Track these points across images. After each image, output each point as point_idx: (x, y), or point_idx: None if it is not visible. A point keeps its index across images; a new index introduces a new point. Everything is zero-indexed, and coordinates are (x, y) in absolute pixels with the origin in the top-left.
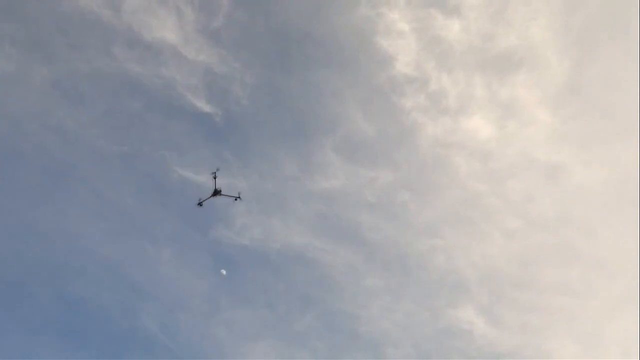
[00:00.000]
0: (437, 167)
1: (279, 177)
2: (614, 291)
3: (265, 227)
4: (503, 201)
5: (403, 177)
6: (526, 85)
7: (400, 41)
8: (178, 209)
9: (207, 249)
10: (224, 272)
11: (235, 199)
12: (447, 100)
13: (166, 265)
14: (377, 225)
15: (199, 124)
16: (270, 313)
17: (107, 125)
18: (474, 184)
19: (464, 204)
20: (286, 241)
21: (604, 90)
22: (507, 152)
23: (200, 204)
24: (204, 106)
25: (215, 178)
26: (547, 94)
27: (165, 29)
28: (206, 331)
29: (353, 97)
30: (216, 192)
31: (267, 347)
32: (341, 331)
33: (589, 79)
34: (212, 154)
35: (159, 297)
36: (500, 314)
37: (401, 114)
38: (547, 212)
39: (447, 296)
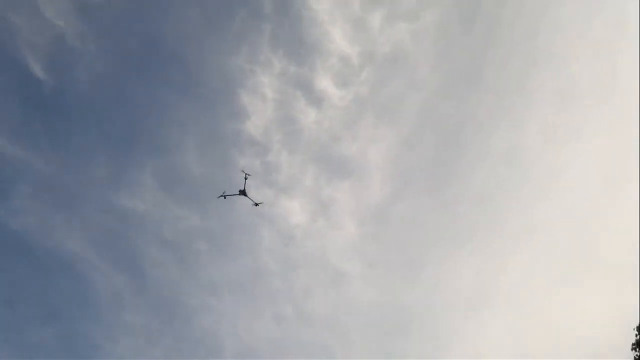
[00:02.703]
0: (244, 232)
1: (83, 174)
2: None
3: (44, 220)
4: (285, 287)
5: (208, 227)
6: (346, 194)
7: (260, 104)
8: None
9: None
10: None
11: (255, 204)
12: (277, 176)
13: None
14: (162, 264)
15: (24, 85)
16: (6, 312)
17: None
18: (268, 261)
19: (251, 276)
20: (61, 242)
21: (403, 225)
22: (307, 243)
23: (224, 196)
24: (39, 71)
25: (245, 179)
26: (360, 209)
27: None
28: None
29: (195, 133)
30: (241, 192)
31: None
32: (75, 356)
33: (396, 210)
34: (23, 121)
35: None
36: None
37: (232, 168)
38: (318, 310)
39: (198, 357)
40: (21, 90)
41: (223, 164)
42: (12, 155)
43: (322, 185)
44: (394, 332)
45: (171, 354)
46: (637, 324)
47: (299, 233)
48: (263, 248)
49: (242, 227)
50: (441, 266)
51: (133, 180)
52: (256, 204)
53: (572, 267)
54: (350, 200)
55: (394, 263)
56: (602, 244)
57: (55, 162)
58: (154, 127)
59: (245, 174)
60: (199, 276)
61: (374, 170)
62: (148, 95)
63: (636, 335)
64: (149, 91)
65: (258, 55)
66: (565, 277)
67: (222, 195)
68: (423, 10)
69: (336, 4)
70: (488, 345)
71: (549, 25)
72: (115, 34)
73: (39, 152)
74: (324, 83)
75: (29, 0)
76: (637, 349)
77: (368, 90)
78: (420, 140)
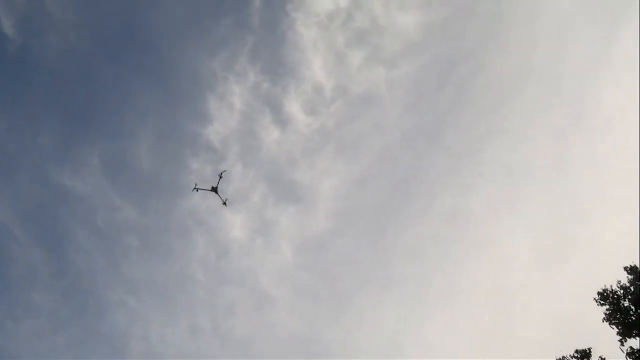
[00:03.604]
0: (179, 236)
1: (27, 141)
2: None
3: None
4: (209, 299)
5: (144, 223)
6: (290, 217)
7: (225, 112)
8: None
9: None
10: None
11: (223, 203)
12: (226, 186)
13: None
14: (88, 251)
15: None
16: None
17: None
18: (197, 269)
19: (177, 281)
20: None
21: (338, 261)
22: (241, 260)
23: (196, 189)
24: (9, 27)
25: (220, 178)
26: (300, 237)
27: None
28: None
29: (153, 125)
30: (213, 189)
31: None
32: None
33: (335, 245)
34: None
35: None
36: None
37: (184, 169)
38: (237, 330)
39: (102, 354)
40: None
41: (174, 162)
42: None
43: (268, 206)
44: None
45: (74, 344)
46: None
47: (235, 248)
48: (195, 256)
49: (178, 230)
50: (367, 308)
51: (78, 159)
52: (224, 203)
53: (490, 334)
54: (293, 227)
55: (322, 297)
56: (521, 316)
57: (1, 122)
58: (112, 110)
59: (221, 172)
60: (122, 271)
61: (322, 202)
62: (115, 77)
63: None
64: (117, 74)
65: (234, 64)
66: (483, 343)
67: (194, 188)
68: (403, 60)
69: (322, 34)
70: None
71: (512, 103)
72: (97, 10)
73: None
74: (294, 107)
75: None
76: None
77: (334, 123)
78: (373, 183)
